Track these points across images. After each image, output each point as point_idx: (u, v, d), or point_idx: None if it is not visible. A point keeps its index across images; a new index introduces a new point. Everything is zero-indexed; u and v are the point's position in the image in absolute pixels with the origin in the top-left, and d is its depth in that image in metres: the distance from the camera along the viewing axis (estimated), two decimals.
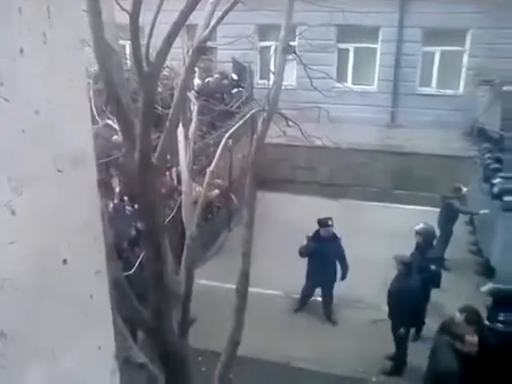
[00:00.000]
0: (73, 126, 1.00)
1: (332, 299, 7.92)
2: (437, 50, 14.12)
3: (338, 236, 7.75)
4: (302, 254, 7.67)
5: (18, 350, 1.00)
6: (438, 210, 9.83)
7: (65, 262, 1.03)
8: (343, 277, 7.75)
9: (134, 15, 2.92)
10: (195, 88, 9.63)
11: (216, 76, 10.92)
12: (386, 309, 7.92)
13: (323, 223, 7.64)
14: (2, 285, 0.92)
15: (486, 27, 13.13)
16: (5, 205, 0.91)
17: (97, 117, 5.85)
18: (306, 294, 8.05)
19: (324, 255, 7.48)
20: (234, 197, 10.23)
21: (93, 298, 1.15)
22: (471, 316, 5.12)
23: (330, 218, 7.68)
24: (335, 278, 7.73)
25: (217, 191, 8.87)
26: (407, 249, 7.74)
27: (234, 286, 4.65)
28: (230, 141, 9.19)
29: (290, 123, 5.05)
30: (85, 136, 1.04)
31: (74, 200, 1.03)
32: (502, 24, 12.94)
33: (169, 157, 6.23)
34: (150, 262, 3.92)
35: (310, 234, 7.70)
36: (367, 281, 8.20)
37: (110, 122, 5.38)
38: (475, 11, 12.95)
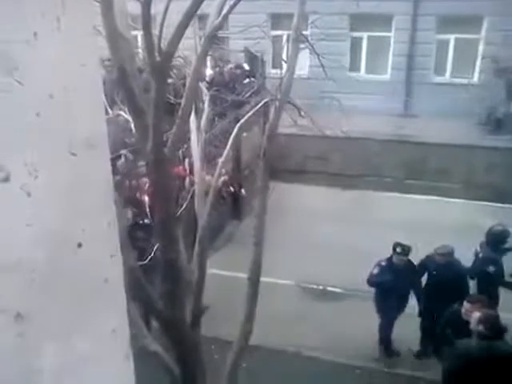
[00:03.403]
0: (86, 110, 1.01)
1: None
2: (451, 38, 13.91)
3: (414, 263, 6.75)
4: (370, 283, 6.77)
5: (34, 332, 1.02)
6: (451, 200, 9.78)
7: (80, 245, 1.04)
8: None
9: (146, 4, 2.92)
10: (207, 79, 9.62)
11: (230, 66, 10.91)
12: None
13: (397, 250, 6.53)
14: (19, 265, 0.94)
15: (502, 14, 12.88)
16: (21, 188, 0.92)
17: (108, 107, 5.88)
18: (386, 332, 7.02)
19: (398, 287, 6.48)
20: (243, 190, 10.24)
21: (108, 282, 1.17)
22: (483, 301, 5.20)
23: (408, 247, 6.55)
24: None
25: (222, 178, 8.84)
26: (418, 240, 7.64)
27: (245, 276, 4.66)
28: (244, 133, 9.21)
29: (302, 113, 5.03)
30: (98, 120, 1.05)
31: (89, 184, 1.04)
32: None
33: (186, 147, 6.25)
34: (163, 251, 3.96)
35: (382, 262, 6.69)
36: None
37: (121, 112, 5.41)
38: None
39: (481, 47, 13.74)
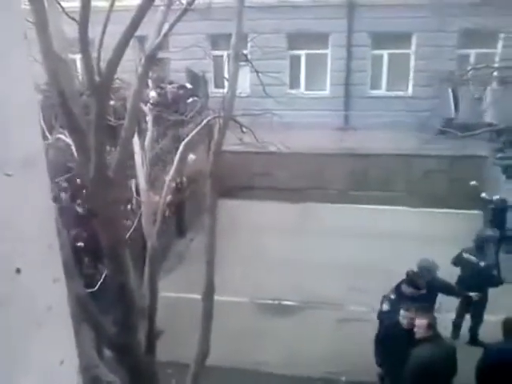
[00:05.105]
0: (21, 128, 0.96)
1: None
2: (384, 54, 14.57)
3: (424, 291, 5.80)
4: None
5: None
6: (395, 207, 10.13)
7: (18, 271, 0.98)
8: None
9: (83, 24, 2.87)
10: (151, 101, 9.53)
11: (173, 85, 10.90)
12: (350, 308, 8.02)
13: (412, 281, 5.68)
14: None
15: (428, 31, 13.66)
16: None
17: (46, 132, 5.70)
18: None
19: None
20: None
21: (52, 309, 1.10)
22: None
23: (421, 276, 5.77)
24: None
25: (168, 197, 8.73)
26: (365, 249, 7.84)
27: (199, 296, 4.60)
28: (193, 156, 9.18)
29: (244, 129, 5.09)
30: (34, 138, 1.00)
31: (26, 205, 0.98)
32: (441, 28, 13.48)
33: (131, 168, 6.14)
34: (112, 276, 3.84)
35: (391, 295, 5.75)
36: (330, 281, 8.31)
37: (61, 136, 5.25)
38: (418, 16, 13.44)
39: (412, 62, 14.46)
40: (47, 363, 1.16)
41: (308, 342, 7.32)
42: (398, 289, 5.80)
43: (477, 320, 7.12)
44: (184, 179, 10.12)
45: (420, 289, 5.68)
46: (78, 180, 6.54)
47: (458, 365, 4.99)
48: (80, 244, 6.49)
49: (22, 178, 0.94)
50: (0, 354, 0.99)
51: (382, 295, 6.00)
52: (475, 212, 10.16)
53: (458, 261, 7.11)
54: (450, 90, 13.09)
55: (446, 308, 6.65)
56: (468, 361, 5.03)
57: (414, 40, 14.26)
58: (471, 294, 6.78)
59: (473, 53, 13.80)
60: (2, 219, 0.93)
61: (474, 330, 7.14)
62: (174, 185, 9.37)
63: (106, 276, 4.93)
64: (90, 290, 4.58)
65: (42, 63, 3.04)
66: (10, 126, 0.92)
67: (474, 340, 7.08)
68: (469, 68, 11.70)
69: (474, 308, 7.06)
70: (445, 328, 6.01)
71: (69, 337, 1.25)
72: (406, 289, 5.71)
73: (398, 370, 5.04)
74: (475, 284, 6.85)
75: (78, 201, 6.62)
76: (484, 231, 7.51)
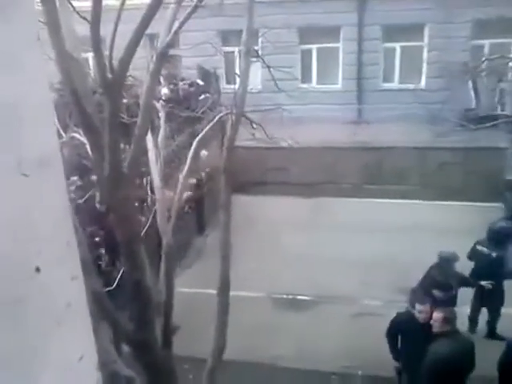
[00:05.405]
0: (36, 128, 0.97)
1: None
2: (397, 46, 14.42)
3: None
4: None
5: None
6: (410, 201, 10.01)
7: (38, 269, 1.00)
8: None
9: (95, 23, 2.88)
10: (163, 98, 9.57)
11: (184, 82, 10.94)
12: (364, 303, 7.99)
13: (443, 285, 5.74)
14: None
15: (441, 22, 13.49)
16: None
17: (61, 131, 5.76)
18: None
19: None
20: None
21: (71, 306, 1.12)
22: None
23: (449, 285, 5.85)
24: None
25: (185, 194, 8.78)
26: (380, 244, 7.76)
27: (215, 291, 4.62)
28: (205, 152, 9.21)
29: (255, 125, 5.08)
30: (49, 137, 1.01)
31: (43, 205, 1.00)
32: (453, 18, 13.31)
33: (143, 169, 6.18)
34: (128, 273, 3.88)
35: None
36: (344, 276, 8.29)
37: (75, 134, 5.29)
38: (430, 7, 13.28)
39: (425, 54, 14.29)
40: (66, 359, 1.17)
41: (322, 336, 7.31)
42: (428, 293, 5.79)
43: (494, 314, 7.05)
44: (203, 175, 10.18)
45: (452, 290, 5.87)
46: (93, 177, 6.59)
47: (476, 359, 4.95)
48: (97, 241, 6.55)
49: (38, 178, 0.96)
50: (20, 351, 1.01)
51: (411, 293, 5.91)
52: (491, 204, 10.04)
53: (472, 254, 7.06)
54: (469, 82, 12.85)
55: (462, 301, 6.60)
56: (486, 354, 4.98)
57: (426, 32, 14.08)
58: (482, 282, 6.74)
59: (487, 43, 13.59)
60: (20, 219, 0.94)
61: (491, 324, 7.08)
62: (194, 181, 9.45)
63: (123, 273, 4.98)
64: (108, 289, 4.62)
65: (55, 62, 3.07)
66: (25, 126, 0.94)
67: (492, 334, 7.02)
68: (483, 59, 11.54)
69: (491, 301, 6.98)
70: (462, 323, 5.98)
71: (88, 333, 1.27)
72: (437, 293, 5.85)
73: (415, 365, 5.02)
74: (487, 275, 6.81)
75: (98, 199, 6.66)
76: (496, 223, 7.43)
